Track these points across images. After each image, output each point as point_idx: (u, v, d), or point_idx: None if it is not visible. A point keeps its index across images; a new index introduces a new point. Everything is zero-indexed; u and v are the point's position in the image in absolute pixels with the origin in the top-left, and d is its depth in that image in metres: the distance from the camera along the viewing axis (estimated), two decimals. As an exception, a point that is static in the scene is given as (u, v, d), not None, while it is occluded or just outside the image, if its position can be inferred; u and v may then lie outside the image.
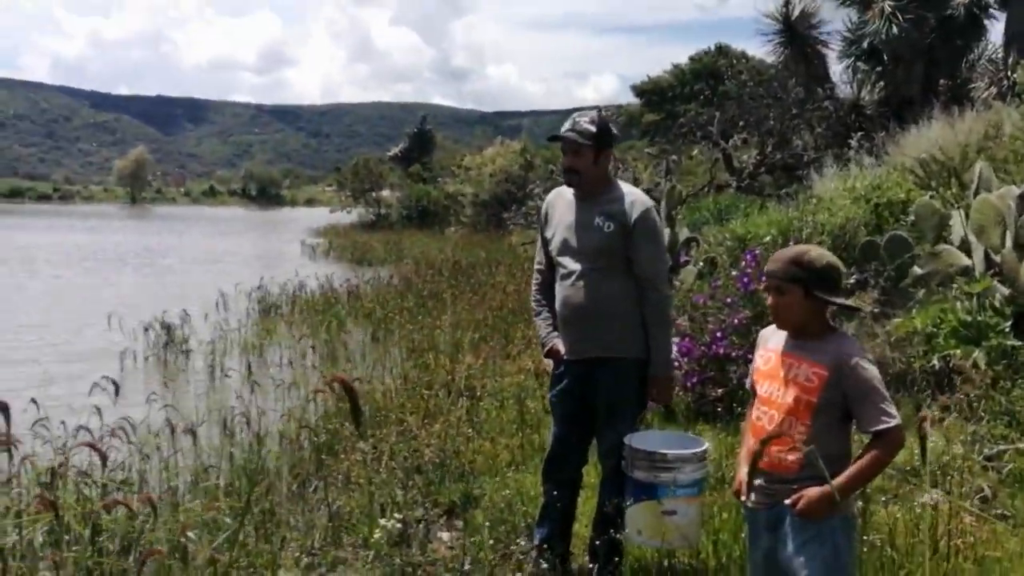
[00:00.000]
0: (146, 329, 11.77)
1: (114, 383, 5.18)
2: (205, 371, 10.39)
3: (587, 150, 4.15)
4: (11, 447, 4.30)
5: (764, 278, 3.16)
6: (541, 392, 7.25)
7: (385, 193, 47.65)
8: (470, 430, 6.59)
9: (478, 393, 7.78)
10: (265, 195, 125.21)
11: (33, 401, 5.21)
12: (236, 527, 4.11)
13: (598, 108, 5.44)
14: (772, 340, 3.16)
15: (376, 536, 4.54)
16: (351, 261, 27.31)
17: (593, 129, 4.17)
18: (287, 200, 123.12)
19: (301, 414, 6.89)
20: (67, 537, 4.21)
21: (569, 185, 4.29)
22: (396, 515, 4.74)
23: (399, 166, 51.91)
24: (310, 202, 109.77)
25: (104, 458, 3.97)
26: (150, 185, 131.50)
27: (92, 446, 3.81)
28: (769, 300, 3.07)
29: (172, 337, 11.77)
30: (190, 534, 3.80)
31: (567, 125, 4.22)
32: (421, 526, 4.80)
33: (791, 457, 2.94)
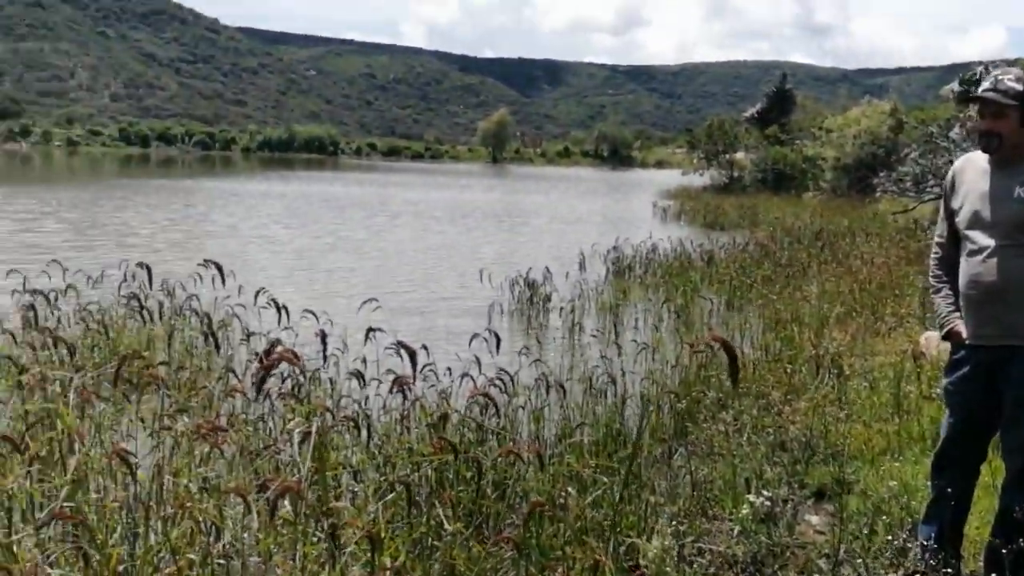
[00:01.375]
0: (512, 285, 12.41)
1: (496, 336, 5.46)
2: (564, 328, 10.75)
3: (1011, 111, 3.70)
4: (405, 388, 4.69)
5: None
6: (921, 376, 6.72)
7: (739, 155, 46.63)
8: (839, 410, 6.23)
9: (846, 371, 7.35)
10: (616, 156, 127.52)
11: (424, 347, 5.63)
12: (608, 486, 4.17)
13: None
14: None
15: (743, 512, 4.43)
16: (703, 225, 27.07)
17: (1019, 88, 3.70)
18: (637, 161, 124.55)
19: (662, 378, 6.89)
20: (449, 476, 4.52)
21: (985, 151, 3.85)
22: (764, 492, 4.60)
23: (755, 127, 50.42)
24: (660, 164, 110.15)
25: (495, 407, 4.17)
26: (510, 145, 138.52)
27: (485, 395, 4.01)
28: None
29: (535, 293, 12.30)
30: (570, 489, 3.90)
31: (987, 84, 3.78)
32: (788, 506, 4.61)
33: None
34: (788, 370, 7.27)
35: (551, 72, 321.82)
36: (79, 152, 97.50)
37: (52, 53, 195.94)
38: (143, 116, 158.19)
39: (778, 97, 53.49)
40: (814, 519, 4.84)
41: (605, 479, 4.28)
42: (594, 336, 9.10)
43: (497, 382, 5.16)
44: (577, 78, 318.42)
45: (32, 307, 7.97)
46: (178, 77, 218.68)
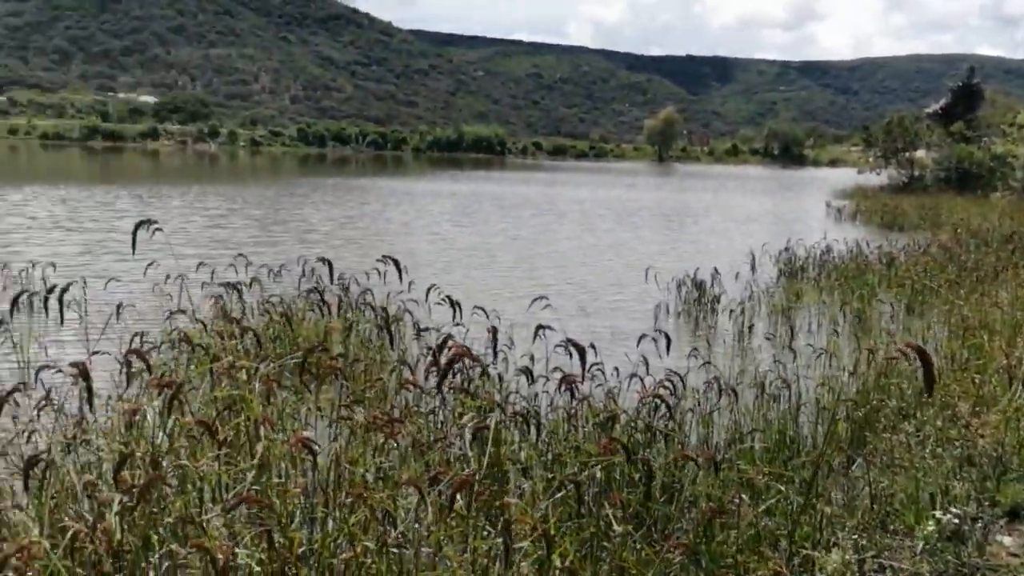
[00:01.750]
0: (679, 285, 12.22)
1: (666, 337, 5.38)
2: (733, 330, 10.49)
3: None
4: (573, 386, 4.68)
5: None
6: None
7: (919, 153, 44.42)
8: (1035, 425, 5.81)
9: (1042, 384, 6.84)
10: (787, 154, 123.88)
11: (591, 346, 5.59)
12: (783, 495, 4.03)
13: None
14: None
15: (928, 528, 4.19)
16: (880, 225, 25.92)
17: None
18: (810, 159, 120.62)
19: (838, 384, 6.62)
20: (617, 477, 4.47)
21: None
22: (951, 508, 4.35)
23: (937, 124, 47.80)
24: (834, 162, 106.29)
25: (668, 410, 4.11)
26: (676, 144, 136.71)
27: (658, 397, 3.95)
28: None
29: (703, 294, 12.06)
30: (743, 496, 3.80)
31: None
32: (978, 525, 4.34)
33: None
34: (976, 380, 6.83)
35: (720, 69, 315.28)
36: (261, 152, 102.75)
37: (238, 58, 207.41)
38: (320, 117, 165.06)
39: (964, 92, 50.52)
40: (1007, 540, 4.53)
41: (780, 487, 4.13)
42: (767, 339, 8.85)
43: (667, 384, 5.08)
44: (747, 75, 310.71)
45: (220, 298, 8.45)
46: (353, 79, 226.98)
